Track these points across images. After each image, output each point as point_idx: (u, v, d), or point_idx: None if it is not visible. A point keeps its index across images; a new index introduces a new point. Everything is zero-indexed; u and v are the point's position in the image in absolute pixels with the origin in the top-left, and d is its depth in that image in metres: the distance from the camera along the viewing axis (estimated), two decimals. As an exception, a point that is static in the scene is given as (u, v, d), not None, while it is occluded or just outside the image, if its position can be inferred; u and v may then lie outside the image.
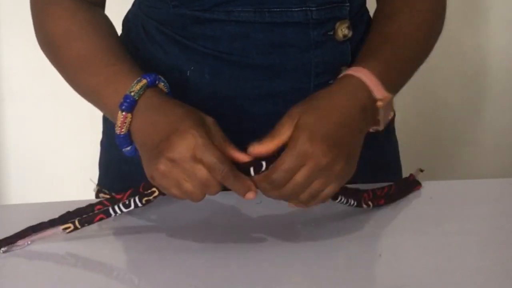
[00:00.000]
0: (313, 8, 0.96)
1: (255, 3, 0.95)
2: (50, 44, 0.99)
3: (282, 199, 0.87)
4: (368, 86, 0.91)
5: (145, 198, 0.89)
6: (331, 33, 0.98)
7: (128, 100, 0.88)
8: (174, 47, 1.00)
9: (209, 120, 0.87)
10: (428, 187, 1.04)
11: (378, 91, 0.91)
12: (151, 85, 0.90)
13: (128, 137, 0.90)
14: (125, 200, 0.90)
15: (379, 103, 0.92)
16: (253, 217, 0.96)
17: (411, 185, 1.03)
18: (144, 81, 0.89)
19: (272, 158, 0.85)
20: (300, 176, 0.84)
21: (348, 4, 0.99)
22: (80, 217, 0.90)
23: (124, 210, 0.90)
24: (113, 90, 0.91)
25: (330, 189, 0.86)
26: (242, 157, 0.86)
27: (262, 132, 0.94)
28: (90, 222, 0.90)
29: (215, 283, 0.84)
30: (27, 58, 1.84)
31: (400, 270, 0.87)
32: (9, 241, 0.90)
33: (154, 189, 0.89)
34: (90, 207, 0.92)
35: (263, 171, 0.85)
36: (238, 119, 1.00)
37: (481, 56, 1.94)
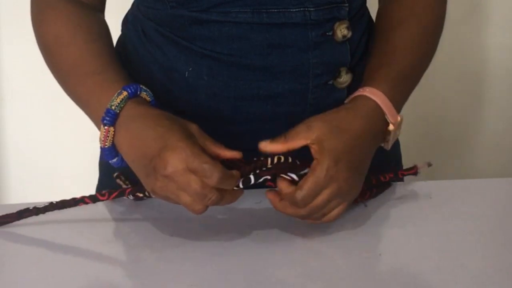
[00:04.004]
0: (311, 9, 0.96)
1: (253, 4, 0.95)
2: (43, 49, 1.01)
3: (296, 217, 0.90)
4: (383, 110, 0.94)
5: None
6: (330, 33, 0.98)
7: (109, 114, 0.89)
8: (172, 48, 1.00)
9: (193, 127, 0.88)
10: (428, 187, 1.04)
11: (392, 115, 0.95)
12: (133, 96, 0.90)
13: (113, 150, 0.91)
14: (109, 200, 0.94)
15: (391, 127, 0.95)
16: (253, 217, 0.96)
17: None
18: (125, 93, 0.90)
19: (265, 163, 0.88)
20: (321, 199, 0.87)
21: (347, 4, 0.98)
22: (61, 208, 0.93)
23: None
24: (96, 101, 0.92)
25: (341, 209, 0.90)
26: (231, 154, 0.88)
27: (260, 132, 0.94)
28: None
29: (215, 282, 0.84)
30: (27, 58, 1.84)
31: (400, 270, 0.87)
32: None
33: (140, 195, 0.95)
34: (73, 202, 0.94)
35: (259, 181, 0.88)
36: (236, 120, 1.00)
37: (481, 56, 1.94)
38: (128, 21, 1.09)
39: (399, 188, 1.05)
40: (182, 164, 0.83)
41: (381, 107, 0.94)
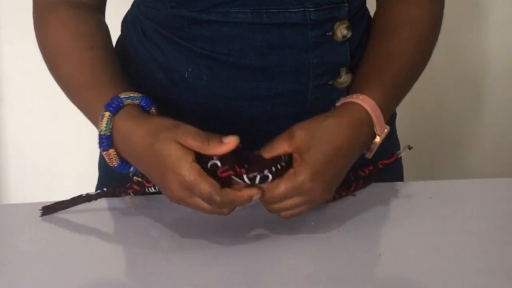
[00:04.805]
0: (311, 9, 0.96)
1: (252, 4, 0.95)
2: (44, 57, 1.01)
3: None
4: (373, 120, 0.93)
5: None
6: (330, 33, 0.98)
7: (102, 140, 0.90)
8: (172, 48, 1.00)
9: (182, 131, 0.86)
10: (428, 187, 1.04)
11: (380, 125, 0.93)
12: (117, 111, 0.90)
13: (123, 164, 0.92)
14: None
15: (377, 139, 0.94)
16: (253, 217, 0.96)
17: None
18: (107, 114, 0.89)
19: (276, 163, 0.87)
20: (290, 203, 0.87)
21: (346, 4, 0.98)
22: (113, 196, 0.97)
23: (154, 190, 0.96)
24: (92, 117, 0.94)
25: (306, 209, 0.89)
26: (226, 147, 0.84)
27: (260, 133, 0.94)
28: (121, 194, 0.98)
29: (215, 282, 0.84)
30: (27, 58, 1.84)
31: (400, 270, 0.87)
32: (51, 210, 0.96)
33: None
34: (124, 188, 0.97)
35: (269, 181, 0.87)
36: (236, 120, 1.00)
37: (481, 56, 1.94)
38: (128, 21, 1.09)
39: (399, 188, 1.05)
40: (185, 191, 0.85)
41: (371, 117, 0.92)
